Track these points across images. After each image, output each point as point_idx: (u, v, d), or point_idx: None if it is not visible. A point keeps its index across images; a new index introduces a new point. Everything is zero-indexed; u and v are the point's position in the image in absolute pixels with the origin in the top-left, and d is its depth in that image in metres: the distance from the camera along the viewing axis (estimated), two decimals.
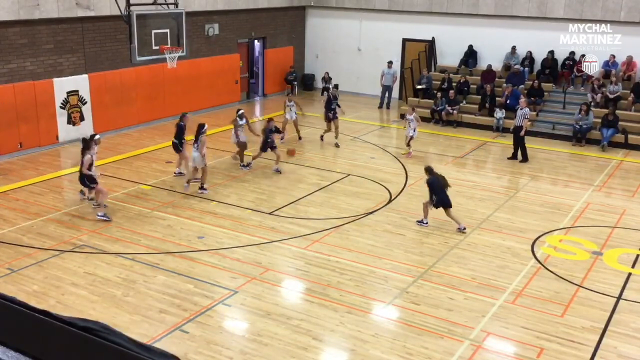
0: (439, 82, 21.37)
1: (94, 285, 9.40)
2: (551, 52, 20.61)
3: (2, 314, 0.85)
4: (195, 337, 8.03)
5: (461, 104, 20.57)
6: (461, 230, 11.68)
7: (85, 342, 0.79)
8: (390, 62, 22.40)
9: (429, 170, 12.11)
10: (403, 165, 15.95)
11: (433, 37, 22.65)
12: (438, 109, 20.37)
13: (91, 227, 11.52)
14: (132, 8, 13.83)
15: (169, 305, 8.84)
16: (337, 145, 17.36)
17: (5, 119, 15.21)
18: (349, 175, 14.80)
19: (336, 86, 21.79)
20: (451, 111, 20.24)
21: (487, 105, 20.02)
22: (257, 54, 23.99)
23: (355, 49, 24.00)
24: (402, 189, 14.16)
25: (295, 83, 24.65)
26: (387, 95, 22.53)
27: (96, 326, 0.81)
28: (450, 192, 13.99)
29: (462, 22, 21.94)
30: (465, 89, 20.99)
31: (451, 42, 22.31)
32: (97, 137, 12.27)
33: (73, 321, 0.82)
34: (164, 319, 8.45)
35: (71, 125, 16.90)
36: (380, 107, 22.38)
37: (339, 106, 17.43)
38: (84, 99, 17.13)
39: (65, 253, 10.41)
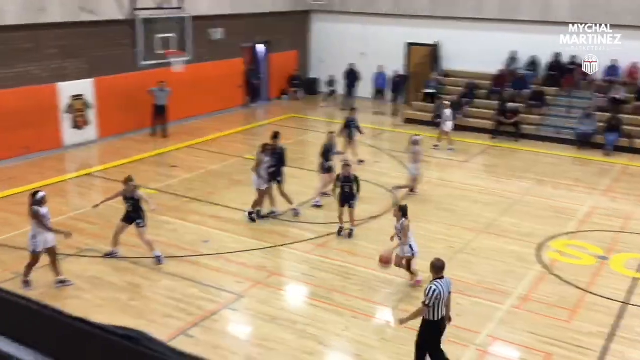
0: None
1: (98, 290, 9.39)
2: (557, 56, 20.57)
3: (38, 321, 0.84)
4: (201, 342, 8.02)
5: (465, 108, 20.53)
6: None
7: (126, 351, 0.78)
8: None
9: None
10: (407, 169, 15.90)
11: (437, 41, 22.65)
12: (439, 113, 20.35)
13: (96, 231, 11.51)
14: (136, 12, 13.88)
15: (174, 310, 8.83)
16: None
17: (11, 123, 15.24)
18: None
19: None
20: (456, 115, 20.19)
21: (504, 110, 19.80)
22: (261, 58, 24.02)
23: (359, 53, 24.00)
24: (407, 193, 14.12)
25: (299, 88, 24.66)
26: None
27: (136, 334, 0.80)
28: (456, 195, 14.01)
29: (466, 26, 21.93)
30: (474, 92, 21.06)
31: (455, 46, 22.29)
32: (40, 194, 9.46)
33: (112, 329, 0.81)
34: (169, 324, 8.44)
35: (76, 130, 16.94)
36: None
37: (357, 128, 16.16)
38: (89, 103, 17.16)
39: (70, 257, 10.41)
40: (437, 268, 7.13)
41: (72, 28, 16.44)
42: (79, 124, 17.00)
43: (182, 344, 7.96)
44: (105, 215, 12.11)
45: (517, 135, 19.26)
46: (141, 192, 10.35)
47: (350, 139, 16.10)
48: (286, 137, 17.79)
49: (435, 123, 20.45)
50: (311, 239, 11.44)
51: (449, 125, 17.82)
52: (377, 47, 23.73)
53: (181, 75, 17.11)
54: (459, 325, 8.56)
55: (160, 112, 18.21)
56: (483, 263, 10.64)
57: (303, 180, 14.82)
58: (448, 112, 17.91)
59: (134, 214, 10.18)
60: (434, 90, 21.60)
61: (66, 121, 16.67)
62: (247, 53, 23.08)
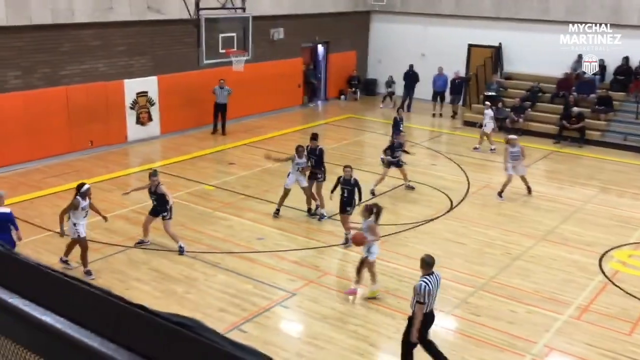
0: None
1: (157, 282, 9.66)
2: (626, 59, 19.83)
3: (100, 306, 0.89)
4: (253, 337, 8.12)
5: (528, 111, 20.03)
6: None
7: (181, 337, 0.81)
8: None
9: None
10: (465, 172, 15.68)
11: (500, 43, 22.20)
12: (499, 117, 19.95)
13: (156, 225, 11.80)
14: (201, 12, 14.18)
15: (228, 305, 8.98)
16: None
17: (78, 117, 15.84)
18: (410, 181, 14.64)
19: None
20: (516, 119, 19.76)
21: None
22: (320, 58, 24.14)
23: (419, 54, 23.79)
24: (464, 197, 13.92)
25: (358, 88, 24.64)
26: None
27: (190, 322, 0.84)
28: (516, 201, 13.70)
29: (531, 28, 21.39)
30: (539, 95, 20.58)
31: (519, 48, 21.78)
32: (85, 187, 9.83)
33: (167, 316, 0.85)
34: (224, 318, 8.59)
35: (140, 126, 17.46)
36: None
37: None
38: (153, 100, 17.66)
39: (130, 249, 10.74)
40: (427, 264, 7.30)
41: (138, 26, 16.95)
42: (142, 120, 17.51)
43: (235, 339, 8.06)
44: None
45: (582, 140, 18.67)
46: (164, 188, 10.62)
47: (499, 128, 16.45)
48: (343, 138, 17.92)
49: (498, 127, 20.10)
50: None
51: (489, 126, 17.78)
52: (437, 48, 23.44)
53: (241, 74, 17.37)
54: (514, 334, 8.39)
55: (220, 110, 18.54)
56: (541, 271, 10.37)
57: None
58: (489, 112, 17.90)
59: (160, 207, 10.57)
60: (495, 93, 21.17)
61: (131, 117, 17.21)
62: (306, 53, 23.24)
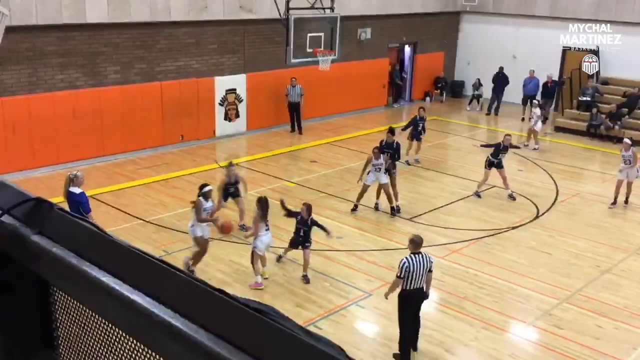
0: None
1: (238, 274, 9.92)
2: None
3: (184, 288, 0.94)
4: (328, 335, 8.14)
5: (625, 118, 19.02)
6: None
7: (258, 322, 0.85)
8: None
9: None
10: (554, 180, 15.11)
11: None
12: (594, 123, 19.06)
13: (238, 219, 12.13)
14: (290, 12, 14.41)
15: (305, 301, 9.09)
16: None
17: (171, 112, 16.50)
18: (494, 186, 14.26)
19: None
20: (611, 126, 18.82)
21: None
22: (407, 58, 23.94)
23: (510, 57, 23.09)
24: (552, 205, 13.42)
25: (444, 90, 24.25)
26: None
27: (267, 309, 0.88)
28: (608, 212, 13.07)
29: (631, 31, 20.26)
30: (636, 102, 19.47)
31: (617, 51, 20.68)
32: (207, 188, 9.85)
33: (246, 302, 0.89)
34: (300, 313, 8.70)
35: (227, 122, 17.97)
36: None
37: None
38: (241, 97, 18.12)
39: (216, 241, 11.06)
40: (413, 243, 7.77)
41: (230, 25, 17.44)
42: (230, 116, 18.02)
43: None
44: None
45: None
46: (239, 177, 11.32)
47: (417, 139, 16.03)
48: (426, 140, 17.66)
49: (590, 133, 19.27)
50: (444, 244, 11.23)
51: (538, 125, 17.87)
52: (529, 50, 22.66)
53: (326, 74, 17.49)
54: (600, 350, 8.02)
55: (293, 109, 18.65)
56: (632, 286, 9.84)
57: (439, 184, 14.63)
58: (538, 111, 17.97)
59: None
60: (590, 98, 20.25)
61: (219, 113, 17.74)
62: (392, 53, 23.11)
